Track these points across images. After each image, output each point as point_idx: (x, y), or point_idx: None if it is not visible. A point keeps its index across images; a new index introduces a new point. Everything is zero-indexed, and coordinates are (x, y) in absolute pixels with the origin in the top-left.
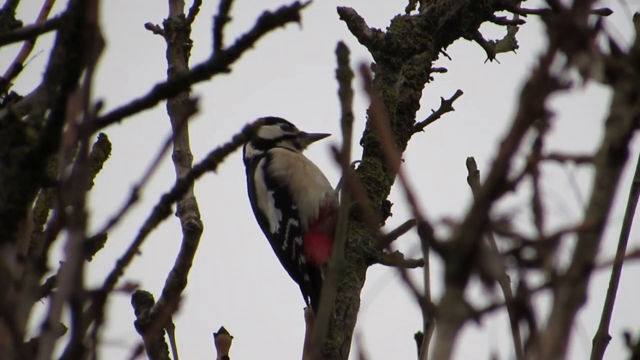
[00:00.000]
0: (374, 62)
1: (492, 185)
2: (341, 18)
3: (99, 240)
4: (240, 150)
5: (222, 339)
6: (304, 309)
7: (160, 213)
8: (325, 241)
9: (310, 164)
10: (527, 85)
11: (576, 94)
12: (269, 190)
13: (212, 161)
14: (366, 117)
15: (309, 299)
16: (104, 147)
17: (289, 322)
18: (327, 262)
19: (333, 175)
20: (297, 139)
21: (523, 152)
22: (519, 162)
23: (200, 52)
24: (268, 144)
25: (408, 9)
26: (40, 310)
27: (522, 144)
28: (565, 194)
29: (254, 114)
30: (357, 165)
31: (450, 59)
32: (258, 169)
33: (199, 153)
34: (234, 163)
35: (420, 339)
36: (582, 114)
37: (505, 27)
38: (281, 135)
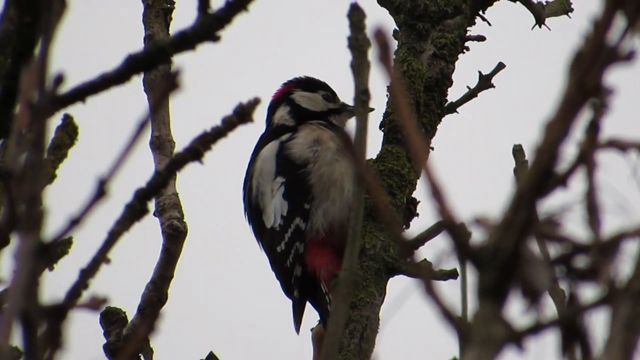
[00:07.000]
0: (397, 28)
1: (536, 178)
2: None
3: (62, 246)
4: (230, 135)
5: None
6: (312, 329)
7: (133, 212)
8: (333, 256)
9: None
10: (579, 55)
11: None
12: (278, 176)
13: (197, 149)
14: (387, 95)
15: (299, 319)
16: (69, 131)
17: (292, 345)
18: (337, 273)
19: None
20: (338, 115)
21: (575, 137)
22: (569, 150)
23: (184, 15)
24: (307, 116)
25: None
26: None
27: (573, 128)
28: (627, 190)
29: (249, 91)
30: None
31: (489, 24)
32: (273, 142)
33: (181, 139)
34: (225, 151)
35: None
36: None
37: None
38: (326, 110)
